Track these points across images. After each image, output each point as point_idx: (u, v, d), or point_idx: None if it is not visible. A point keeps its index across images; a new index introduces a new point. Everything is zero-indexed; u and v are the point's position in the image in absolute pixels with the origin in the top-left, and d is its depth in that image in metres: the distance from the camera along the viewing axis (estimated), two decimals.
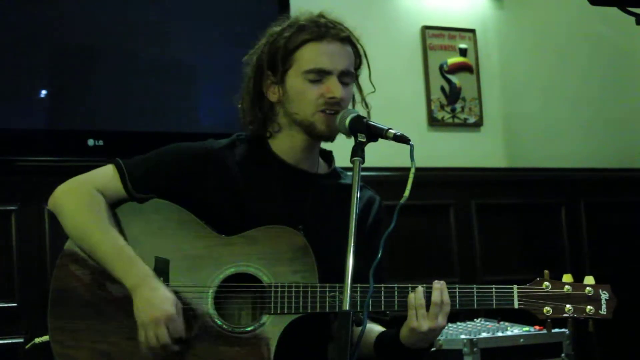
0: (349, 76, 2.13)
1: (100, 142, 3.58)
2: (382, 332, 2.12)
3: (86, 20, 3.65)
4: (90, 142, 3.56)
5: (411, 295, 1.98)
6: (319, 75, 2.09)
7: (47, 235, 3.50)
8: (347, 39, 2.15)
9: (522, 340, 3.27)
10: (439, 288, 1.98)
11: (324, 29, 2.11)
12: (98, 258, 2.04)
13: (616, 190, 4.81)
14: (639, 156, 4.93)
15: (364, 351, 2.12)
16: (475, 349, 3.18)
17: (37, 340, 2.24)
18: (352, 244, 1.78)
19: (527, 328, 3.31)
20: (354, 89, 2.20)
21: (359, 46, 2.18)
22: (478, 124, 4.66)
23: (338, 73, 2.10)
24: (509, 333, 3.29)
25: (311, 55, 2.10)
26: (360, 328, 1.83)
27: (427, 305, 1.96)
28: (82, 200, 2.08)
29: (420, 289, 1.98)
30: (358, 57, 2.19)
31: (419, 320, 1.95)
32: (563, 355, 3.34)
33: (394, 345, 2.04)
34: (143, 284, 1.98)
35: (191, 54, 3.88)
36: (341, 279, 1.77)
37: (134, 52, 3.75)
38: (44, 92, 3.61)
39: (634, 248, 4.67)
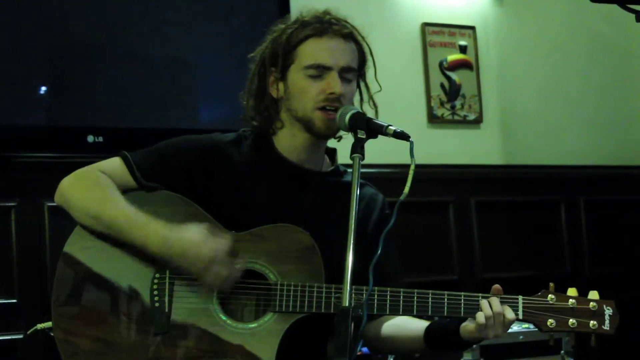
0: (350, 72, 2.12)
1: (100, 139, 3.57)
2: (433, 324, 2.09)
3: (86, 16, 3.65)
4: (90, 138, 3.56)
5: (485, 304, 1.99)
6: (319, 70, 2.08)
7: (47, 231, 3.49)
8: (350, 36, 2.13)
9: (521, 337, 3.27)
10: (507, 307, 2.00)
11: (326, 25, 2.10)
12: (116, 233, 2.01)
13: (616, 187, 4.81)
14: (638, 153, 4.93)
15: (396, 346, 2.15)
16: (474, 346, 3.18)
17: (39, 325, 2.23)
18: (352, 241, 1.76)
19: (526, 325, 3.31)
20: (361, 87, 2.19)
21: (363, 44, 2.16)
22: (478, 121, 4.66)
23: (339, 69, 2.09)
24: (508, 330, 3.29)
25: (312, 50, 2.09)
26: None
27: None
28: (87, 184, 2.06)
29: (496, 300, 1.99)
30: (362, 54, 2.17)
31: (487, 330, 1.99)
32: (562, 352, 3.34)
33: (452, 338, 2.05)
34: (167, 241, 1.96)
35: (191, 50, 3.88)
36: (342, 276, 1.76)
37: (134, 48, 3.75)
38: (43, 88, 3.61)
39: (633, 246, 4.68)
